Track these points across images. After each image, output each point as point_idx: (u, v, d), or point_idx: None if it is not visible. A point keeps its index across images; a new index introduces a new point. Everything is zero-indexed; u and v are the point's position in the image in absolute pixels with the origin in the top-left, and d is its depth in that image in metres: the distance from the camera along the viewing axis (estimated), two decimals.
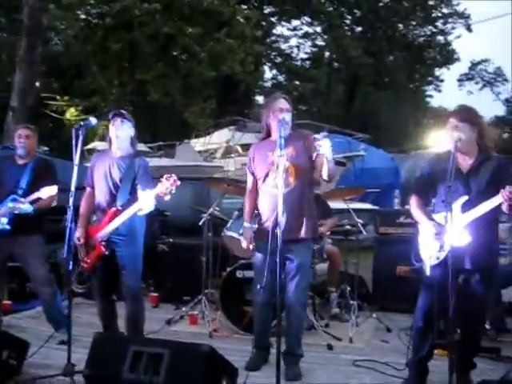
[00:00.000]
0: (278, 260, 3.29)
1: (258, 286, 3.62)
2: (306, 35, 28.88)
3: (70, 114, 19.54)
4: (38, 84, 13.68)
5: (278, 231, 3.34)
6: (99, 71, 17.83)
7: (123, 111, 4.23)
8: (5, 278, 5.11)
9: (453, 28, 29.15)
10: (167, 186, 3.71)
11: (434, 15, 29.03)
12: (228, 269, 5.07)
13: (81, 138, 3.70)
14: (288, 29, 28.87)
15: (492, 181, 3.35)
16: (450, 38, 29.35)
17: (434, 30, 29.33)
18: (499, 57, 72.52)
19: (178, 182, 3.75)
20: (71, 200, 3.61)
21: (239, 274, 4.94)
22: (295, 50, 29.48)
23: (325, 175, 3.85)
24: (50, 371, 3.68)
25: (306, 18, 28.09)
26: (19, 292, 5.64)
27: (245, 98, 26.04)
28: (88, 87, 19.05)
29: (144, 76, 17.31)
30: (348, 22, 28.96)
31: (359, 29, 29.12)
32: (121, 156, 4.14)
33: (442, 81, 31.36)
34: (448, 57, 29.40)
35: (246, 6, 24.09)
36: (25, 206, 4.27)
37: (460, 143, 3.30)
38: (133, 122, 4.18)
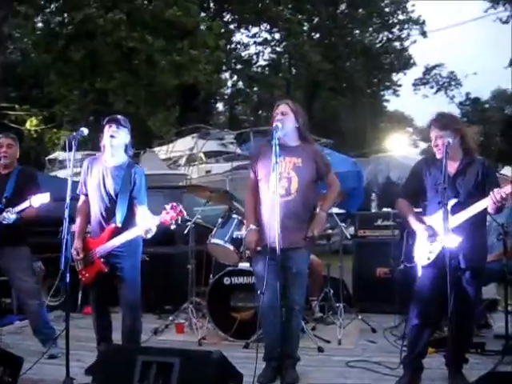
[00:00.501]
0: (276, 267, 3.35)
1: (259, 292, 3.66)
2: (265, 42, 29.07)
3: (31, 123, 19.10)
4: None
5: (276, 238, 3.42)
6: (59, 80, 17.46)
7: (119, 116, 3.99)
8: None
9: (408, 35, 30.05)
10: (172, 215, 3.75)
11: (390, 22, 29.80)
12: (215, 276, 5.07)
13: (74, 147, 3.66)
14: (247, 36, 29.10)
15: (479, 183, 3.51)
16: (406, 43, 30.27)
17: (391, 36, 30.12)
18: (452, 61, 74.72)
19: (184, 213, 3.81)
20: (67, 211, 3.57)
21: (226, 280, 4.96)
22: (254, 56, 29.67)
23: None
24: None
25: (265, 25, 28.25)
26: None
27: (205, 105, 26.02)
28: (47, 96, 18.66)
29: (105, 85, 17.07)
30: (306, 29, 29.26)
31: (317, 35, 29.51)
32: (114, 166, 3.96)
33: (400, 85, 32.18)
34: (405, 62, 30.21)
35: (204, 14, 24.10)
36: (12, 216, 4.17)
37: (449, 148, 3.43)
38: (129, 127, 3.99)
